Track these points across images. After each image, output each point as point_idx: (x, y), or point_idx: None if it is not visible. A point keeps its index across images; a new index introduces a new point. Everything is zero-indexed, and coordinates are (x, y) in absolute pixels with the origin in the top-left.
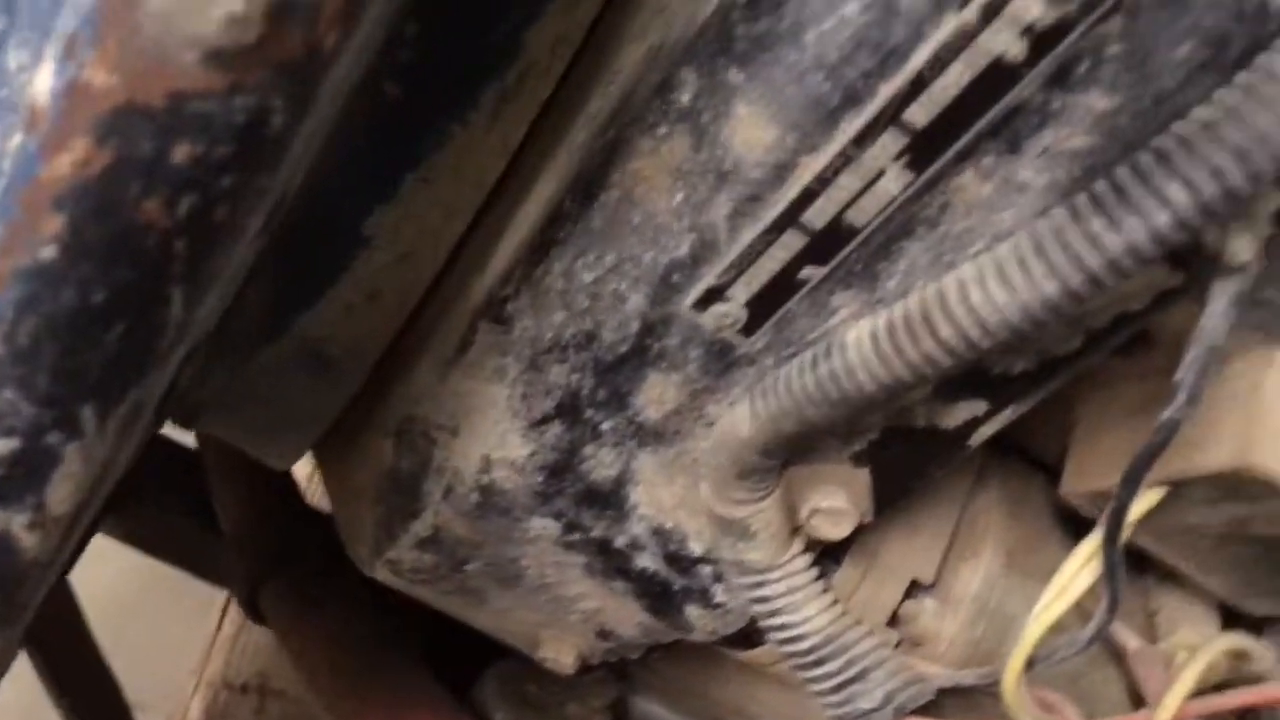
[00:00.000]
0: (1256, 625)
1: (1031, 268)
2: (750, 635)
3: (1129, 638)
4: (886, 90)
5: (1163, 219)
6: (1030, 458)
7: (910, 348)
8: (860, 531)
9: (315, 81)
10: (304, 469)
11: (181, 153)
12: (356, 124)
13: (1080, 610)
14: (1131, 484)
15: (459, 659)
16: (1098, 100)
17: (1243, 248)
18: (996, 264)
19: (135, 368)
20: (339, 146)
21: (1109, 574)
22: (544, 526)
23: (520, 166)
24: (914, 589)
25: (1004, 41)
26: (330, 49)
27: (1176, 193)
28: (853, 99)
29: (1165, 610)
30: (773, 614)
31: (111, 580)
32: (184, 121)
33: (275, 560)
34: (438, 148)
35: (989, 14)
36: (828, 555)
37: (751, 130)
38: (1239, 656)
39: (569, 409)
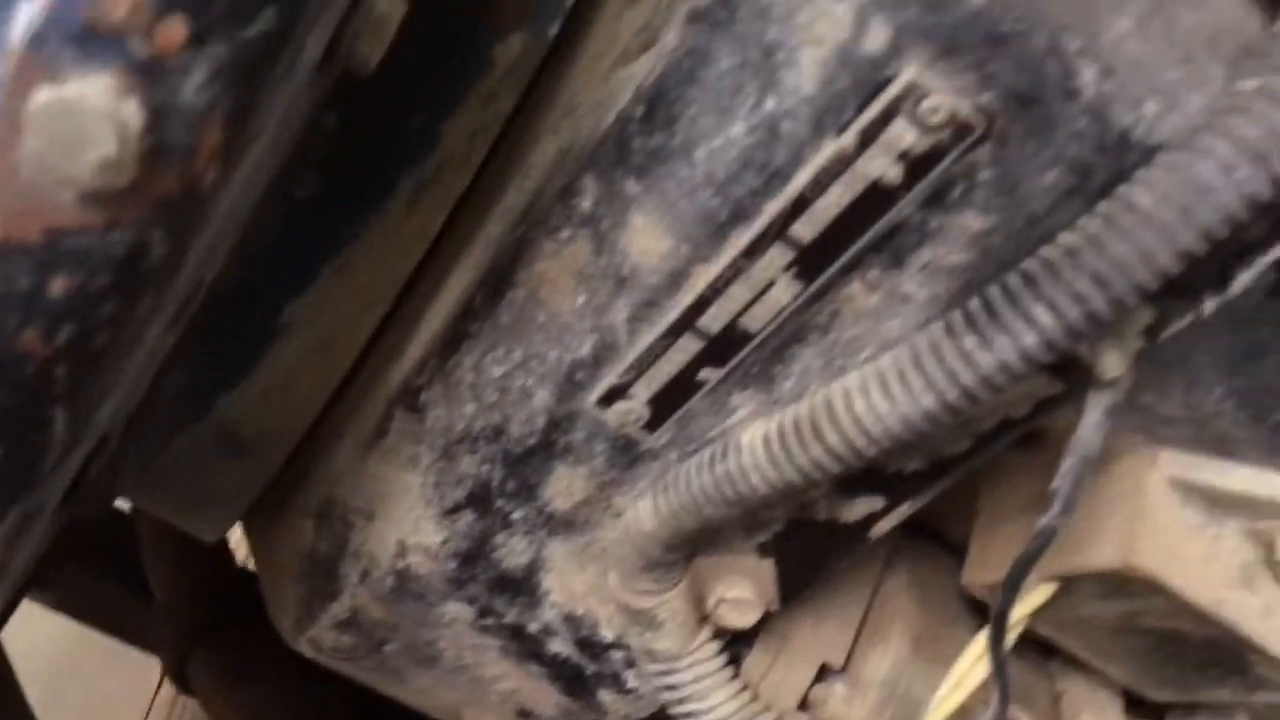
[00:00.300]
0: (1160, 710)
1: (910, 381)
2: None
3: None
4: (772, 208)
5: (1030, 339)
6: (943, 540)
7: (800, 453)
8: (771, 616)
9: (196, 216)
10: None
11: (59, 286)
12: (274, 216)
13: (986, 694)
14: (1012, 589)
15: None
16: (972, 221)
17: (1112, 364)
18: (879, 375)
19: (18, 485)
20: (256, 238)
21: (996, 672)
22: (458, 611)
23: (438, 255)
24: (825, 673)
25: (880, 166)
26: (209, 185)
27: (1042, 314)
28: (741, 215)
29: (1069, 695)
30: (681, 701)
31: (47, 640)
32: (61, 256)
33: (203, 630)
34: (355, 237)
35: (865, 141)
36: (740, 639)
37: (647, 240)
38: None
39: (480, 498)
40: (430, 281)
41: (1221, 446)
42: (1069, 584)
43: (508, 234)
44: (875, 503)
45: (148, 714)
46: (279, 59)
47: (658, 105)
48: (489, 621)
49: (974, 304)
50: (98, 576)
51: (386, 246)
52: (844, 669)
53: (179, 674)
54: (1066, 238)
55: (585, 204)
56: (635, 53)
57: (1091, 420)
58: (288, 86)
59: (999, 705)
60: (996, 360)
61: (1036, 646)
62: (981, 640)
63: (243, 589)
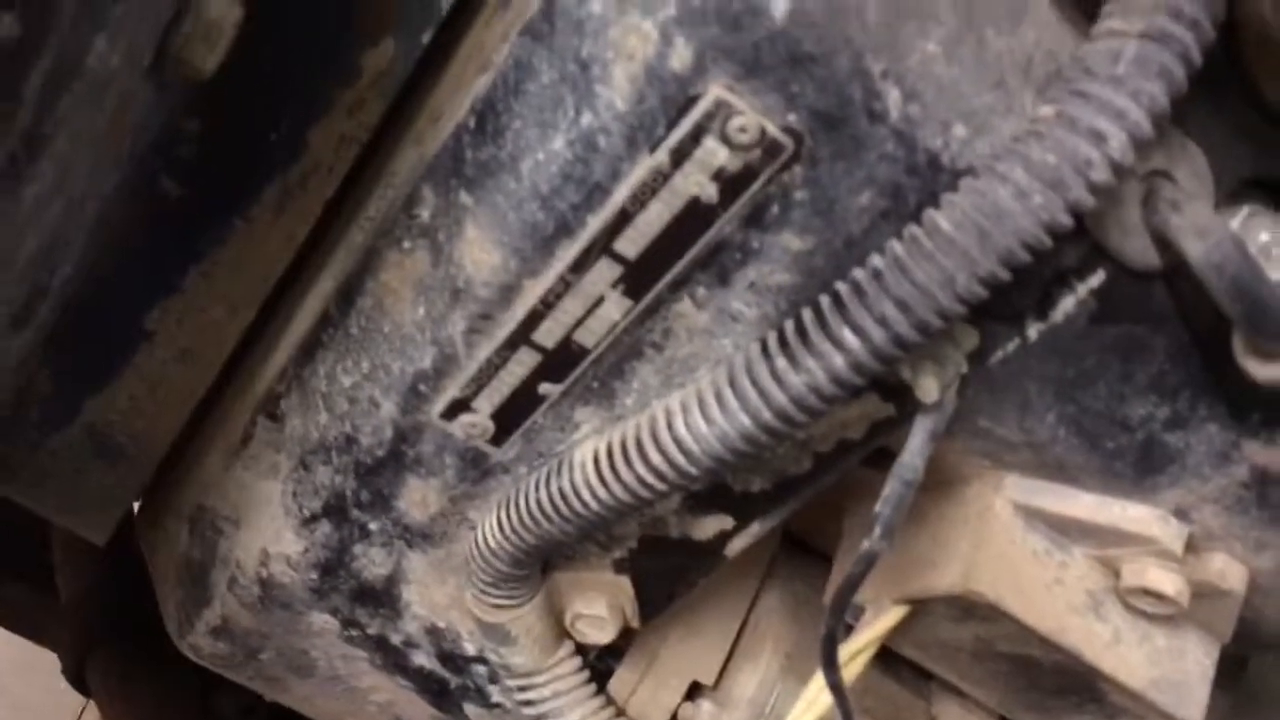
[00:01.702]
0: None
1: (726, 401)
2: None
3: None
4: (595, 223)
5: (838, 361)
6: (823, 557)
7: (626, 471)
8: (642, 633)
9: None
10: None
11: None
12: (134, 219)
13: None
14: (837, 612)
15: None
16: (792, 241)
17: (929, 387)
18: (698, 395)
19: None
20: (116, 241)
21: (834, 695)
22: (324, 622)
23: (305, 263)
24: (696, 691)
25: (696, 183)
26: None
27: (849, 337)
28: (565, 229)
29: (943, 718)
30: (539, 718)
31: None
32: None
33: (101, 632)
34: (219, 243)
35: (678, 158)
36: (610, 655)
37: (479, 252)
38: None
39: (336, 509)
40: (296, 290)
41: (1061, 473)
42: (922, 606)
43: (364, 243)
44: (725, 521)
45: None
46: (31, 64)
47: (487, 117)
48: (354, 633)
49: (788, 325)
50: (12, 578)
51: (252, 253)
52: (715, 687)
53: (77, 675)
54: (875, 260)
55: (424, 215)
56: (490, 62)
57: (914, 444)
58: (75, 93)
59: None
60: (806, 382)
61: (915, 669)
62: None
63: (143, 592)
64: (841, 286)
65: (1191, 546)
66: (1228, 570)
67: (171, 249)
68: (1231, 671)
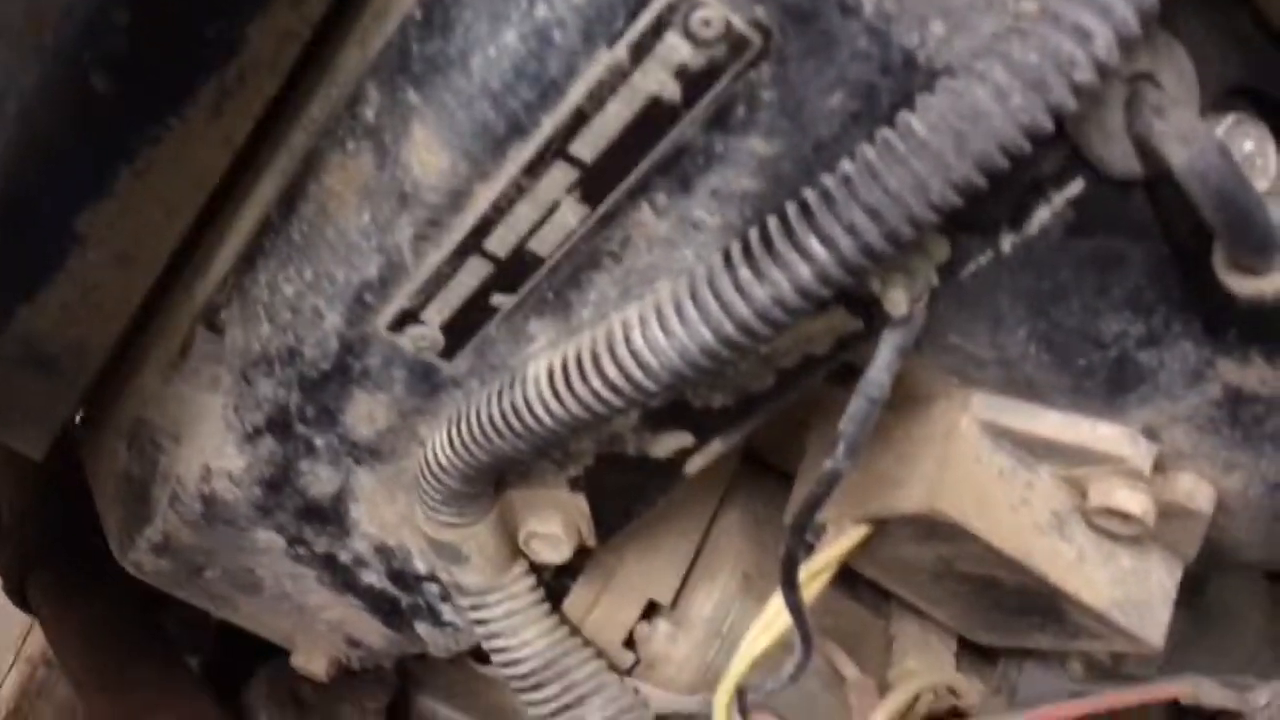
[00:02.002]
0: (994, 656)
1: (686, 314)
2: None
3: (847, 666)
4: (550, 122)
5: (804, 272)
6: (785, 476)
7: (581, 386)
8: (598, 553)
9: None
10: None
11: None
12: (63, 117)
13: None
14: (798, 531)
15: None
16: (759, 145)
17: (898, 300)
18: (657, 308)
19: None
20: (45, 141)
21: (793, 615)
22: (270, 539)
23: (244, 167)
24: (653, 610)
25: (657, 81)
26: None
27: (816, 247)
28: (518, 128)
29: (900, 638)
30: (490, 637)
31: None
32: None
33: (43, 550)
34: (154, 142)
35: (638, 54)
36: (566, 574)
37: (427, 154)
38: (950, 690)
39: (279, 423)
40: (236, 194)
41: (1030, 391)
42: (884, 526)
43: (306, 145)
44: (684, 439)
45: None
46: None
47: (435, 8)
48: (300, 551)
49: (752, 233)
50: None
51: (188, 153)
52: (672, 606)
53: (20, 593)
54: (845, 166)
55: (369, 114)
56: None
57: (881, 358)
58: None
59: (801, 650)
60: (771, 293)
61: (875, 588)
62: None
63: (85, 508)
64: (809, 193)
65: (1159, 466)
66: (1196, 490)
67: (103, 149)
68: (1190, 591)
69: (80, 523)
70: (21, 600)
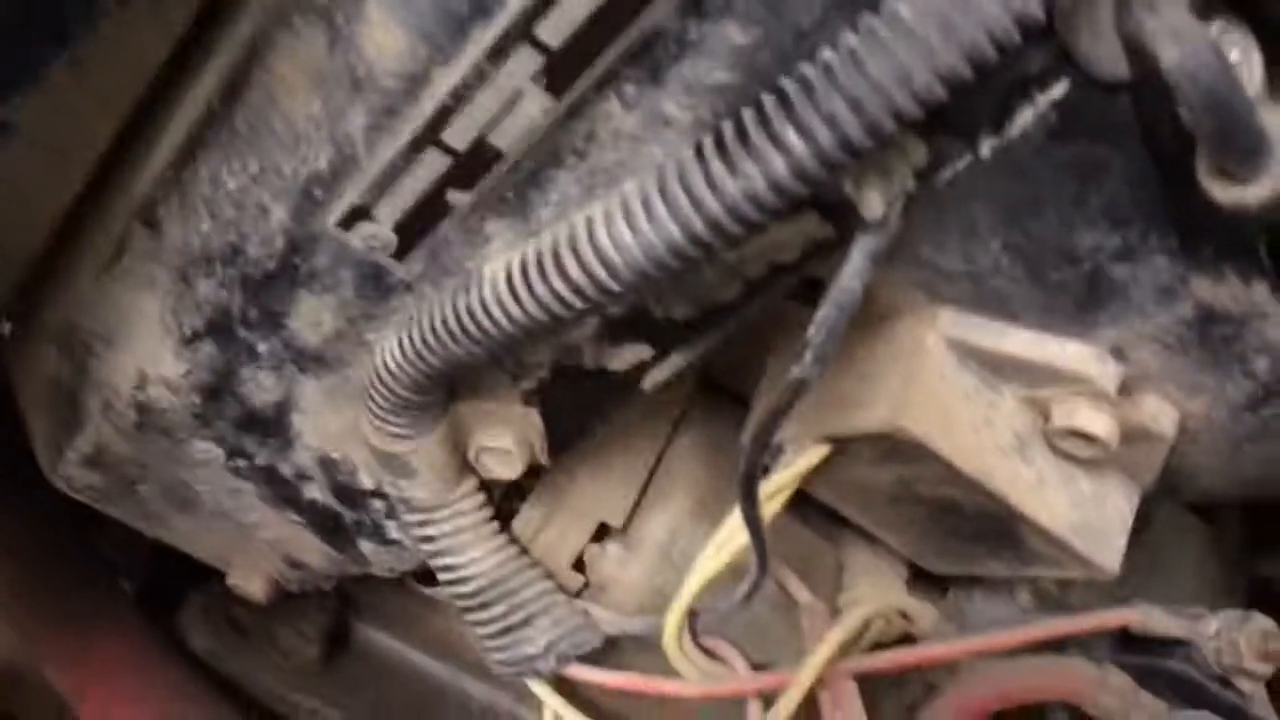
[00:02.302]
0: (944, 584)
1: (654, 209)
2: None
3: (800, 591)
4: (515, 2)
5: (779, 165)
6: (741, 399)
7: (540, 286)
8: (549, 472)
9: None
10: None
11: None
12: None
13: None
14: (758, 444)
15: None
16: (735, 33)
17: (874, 202)
18: (623, 203)
19: None
20: None
21: (751, 532)
22: (208, 451)
23: (185, 56)
24: (604, 532)
25: None
26: None
27: (793, 139)
28: (482, 8)
29: (851, 563)
30: (437, 554)
31: None
32: None
33: None
34: (89, 29)
35: None
36: (515, 494)
37: (383, 36)
38: (903, 616)
39: (221, 327)
40: (175, 85)
41: (999, 307)
42: (844, 446)
43: (252, 29)
44: (643, 351)
45: None
46: None
47: None
48: (240, 463)
49: (726, 126)
50: None
51: (126, 41)
52: (623, 530)
53: None
54: (826, 54)
55: None
56: None
57: (853, 264)
58: None
59: (756, 569)
60: (744, 188)
61: (827, 514)
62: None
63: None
64: (787, 83)
65: (1124, 388)
66: (1160, 413)
67: (33, 33)
68: (1136, 529)
69: (6, 437)
70: None
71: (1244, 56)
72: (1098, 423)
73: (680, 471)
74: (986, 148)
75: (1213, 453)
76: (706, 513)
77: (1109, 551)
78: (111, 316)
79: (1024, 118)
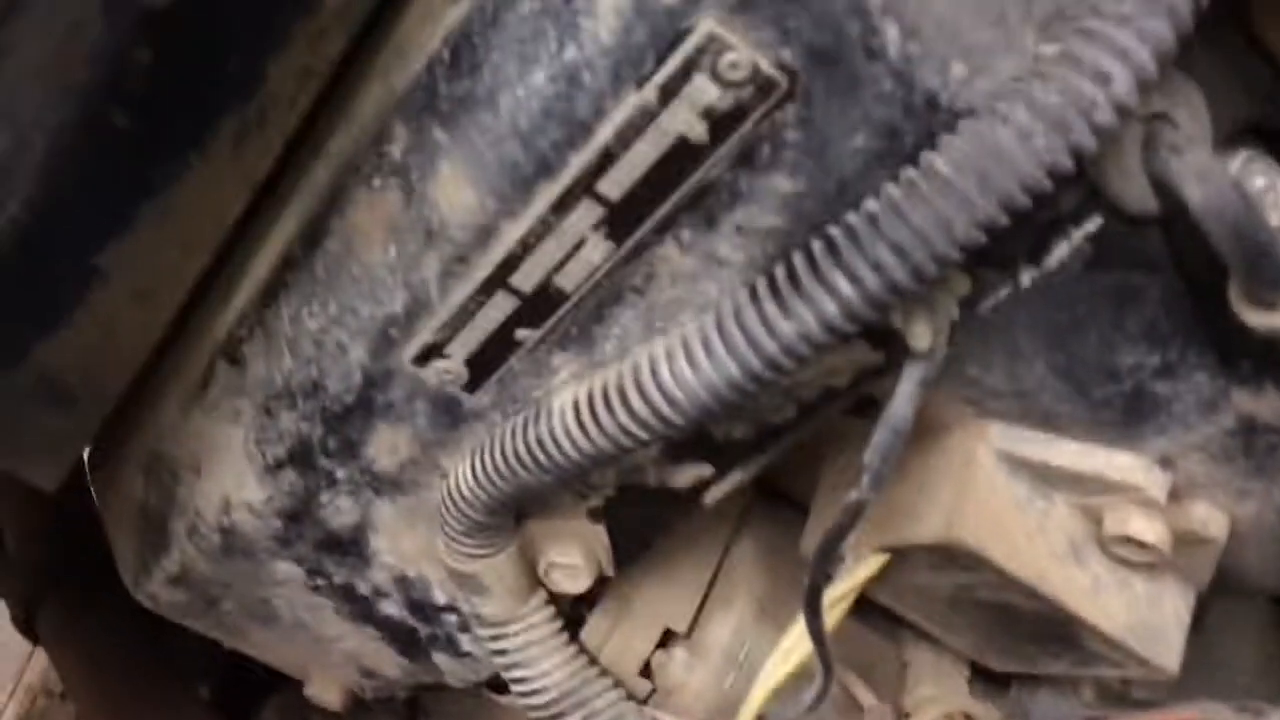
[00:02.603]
0: (1007, 681)
1: (714, 348)
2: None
3: (865, 695)
4: (578, 161)
5: (830, 307)
6: (797, 505)
7: (607, 419)
8: (614, 581)
9: None
10: None
11: None
12: (84, 154)
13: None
14: (823, 561)
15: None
16: (783, 183)
17: (921, 334)
18: (684, 342)
19: None
20: (67, 177)
21: (816, 643)
22: (289, 571)
23: (266, 202)
24: (668, 638)
25: (685, 122)
26: None
27: (843, 283)
28: (546, 168)
29: (914, 665)
30: (510, 667)
31: None
32: None
33: (51, 578)
34: (175, 179)
35: (667, 95)
36: (583, 603)
37: (455, 191)
38: (967, 716)
39: (302, 456)
40: (257, 229)
41: (1047, 421)
42: (902, 555)
43: (330, 181)
44: (704, 470)
45: (29, 659)
46: None
47: (463, 49)
48: (319, 582)
49: (779, 269)
50: None
51: (209, 190)
52: (688, 635)
53: (27, 623)
54: (871, 204)
55: (395, 152)
56: None
57: (904, 391)
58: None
59: (822, 678)
60: (798, 328)
61: (887, 615)
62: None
63: (93, 537)
64: (835, 231)
65: (1174, 494)
66: (1210, 518)
67: (124, 185)
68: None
69: (87, 552)
70: (28, 629)
71: (1269, 183)
72: (1150, 530)
73: (741, 576)
74: (1027, 278)
75: (1264, 554)
76: (768, 616)
77: (1167, 652)
78: (198, 446)
79: (1061, 250)
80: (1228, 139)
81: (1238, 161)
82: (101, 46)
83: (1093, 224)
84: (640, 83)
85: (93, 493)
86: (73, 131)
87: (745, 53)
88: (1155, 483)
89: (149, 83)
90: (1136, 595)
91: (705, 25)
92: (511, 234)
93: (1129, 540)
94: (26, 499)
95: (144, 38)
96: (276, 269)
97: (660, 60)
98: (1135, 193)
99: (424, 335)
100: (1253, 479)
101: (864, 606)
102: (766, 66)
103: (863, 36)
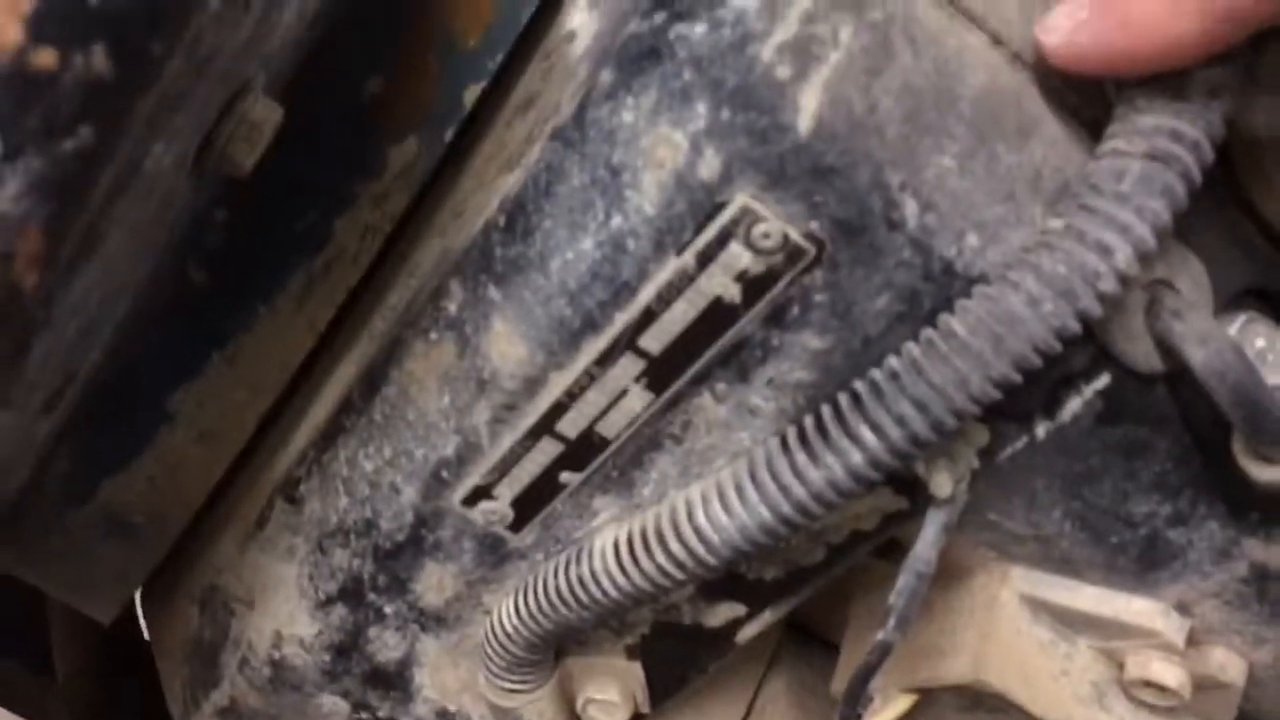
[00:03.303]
0: None
1: (746, 494)
2: None
3: None
4: (621, 319)
5: (857, 458)
6: (828, 645)
7: (646, 560)
8: (650, 717)
9: (19, 318)
10: None
11: None
12: (161, 304)
13: None
14: (851, 702)
15: None
16: (811, 340)
17: (943, 483)
18: (718, 487)
19: None
20: (142, 325)
21: None
22: (334, 704)
23: (327, 349)
24: None
25: (720, 285)
26: (31, 290)
27: (867, 435)
28: (592, 325)
29: None
30: None
31: None
32: None
33: (97, 712)
34: (243, 329)
35: (704, 261)
36: None
37: (506, 345)
38: None
39: (352, 592)
40: (318, 375)
41: (1066, 566)
42: (930, 696)
43: (389, 332)
44: (737, 609)
45: None
46: (101, 170)
47: (518, 216)
48: (364, 716)
49: (808, 421)
50: (9, 655)
51: (275, 339)
52: None
53: None
54: (893, 361)
55: (452, 308)
56: (515, 162)
57: (927, 537)
58: (131, 193)
59: None
60: (826, 477)
61: None
62: None
63: (145, 671)
64: (860, 385)
65: (1192, 640)
66: (1227, 663)
67: (196, 334)
68: None
69: (134, 684)
70: None
71: (1269, 344)
72: (1170, 675)
73: (773, 714)
74: (1042, 430)
75: None
76: None
77: None
78: (253, 581)
79: (1074, 405)
80: (1229, 302)
81: (1238, 323)
82: (186, 209)
83: (1103, 381)
84: (680, 249)
85: (144, 627)
86: (152, 286)
87: (776, 224)
88: (1173, 628)
89: (224, 240)
90: None
91: (740, 199)
92: (558, 385)
93: (1150, 684)
94: (77, 630)
95: (223, 199)
96: (335, 413)
97: (699, 230)
98: (1141, 353)
99: (473, 478)
100: (1267, 625)
101: None
102: (796, 236)
103: (884, 210)
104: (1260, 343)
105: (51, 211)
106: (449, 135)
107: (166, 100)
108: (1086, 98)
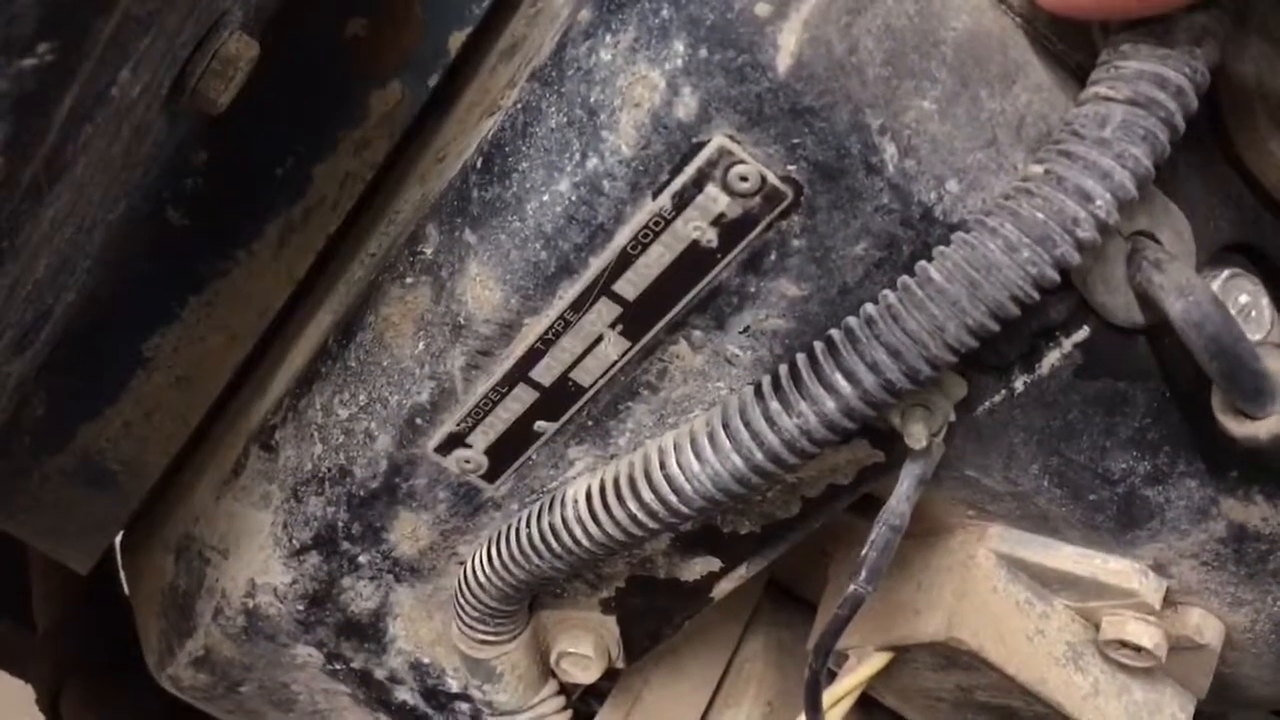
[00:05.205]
0: None
1: (719, 442)
2: None
3: None
4: (597, 263)
5: (830, 405)
6: (806, 604)
7: (618, 508)
8: (626, 674)
9: None
10: None
11: None
12: (138, 246)
13: None
14: (821, 655)
15: None
16: (789, 287)
17: (919, 433)
18: (690, 435)
19: None
20: (120, 268)
21: None
22: (308, 654)
23: (306, 297)
24: None
25: (697, 229)
26: None
27: (841, 382)
28: (567, 269)
29: None
30: None
31: None
32: None
33: (77, 662)
34: (221, 274)
35: (681, 204)
36: (593, 696)
37: (481, 289)
38: None
39: (326, 540)
40: (296, 322)
41: (1044, 524)
42: (905, 654)
43: (366, 278)
44: (712, 563)
45: None
46: (64, 90)
47: (495, 157)
48: (337, 666)
49: (782, 369)
50: None
51: (253, 285)
52: None
53: (53, 706)
54: (869, 308)
55: (428, 251)
56: (497, 106)
57: (902, 490)
58: (98, 120)
59: None
60: (799, 425)
61: (893, 716)
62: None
63: (122, 622)
64: (835, 332)
65: (1169, 600)
66: (1204, 625)
67: (173, 278)
68: None
69: (113, 637)
70: (53, 712)
71: (1253, 300)
72: (1145, 635)
73: (751, 675)
74: (1020, 383)
75: (1260, 663)
76: (777, 715)
77: None
78: (228, 529)
79: (1052, 357)
80: (1213, 257)
81: (1222, 278)
82: (162, 147)
83: (1082, 333)
84: (656, 192)
85: (122, 576)
86: (128, 226)
87: (754, 166)
88: (1150, 588)
89: (203, 182)
90: (1135, 701)
91: (717, 139)
92: (533, 330)
93: (1125, 644)
94: (59, 583)
95: (201, 140)
96: (312, 359)
97: (675, 171)
98: (1121, 305)
99: (448, 425)
100: (1245, 586)
101: (869, 706)
102: (774, 179)
103: (863, 153)
104: (1244, 299)
105: (10, 130)
106: (433, 81)
107: (130, 23)
108: (1073, 43)
